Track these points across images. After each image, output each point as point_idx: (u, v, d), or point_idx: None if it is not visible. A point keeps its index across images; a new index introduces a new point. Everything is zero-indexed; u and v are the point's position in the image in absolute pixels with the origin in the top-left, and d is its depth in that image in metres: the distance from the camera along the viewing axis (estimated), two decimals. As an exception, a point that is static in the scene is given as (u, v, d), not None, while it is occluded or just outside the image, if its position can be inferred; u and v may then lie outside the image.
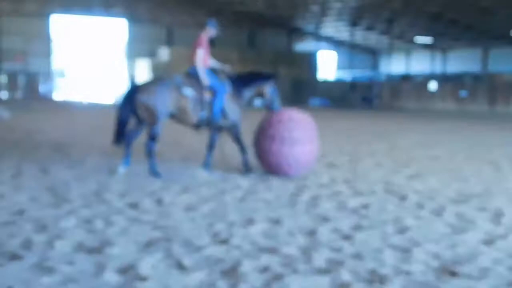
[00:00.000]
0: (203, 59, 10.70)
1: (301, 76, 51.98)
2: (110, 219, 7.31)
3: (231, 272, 5.37)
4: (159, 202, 8.41)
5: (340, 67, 58.90)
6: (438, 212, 8.02)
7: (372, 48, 61.64)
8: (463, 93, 42.07)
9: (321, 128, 13.36)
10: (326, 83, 51.44)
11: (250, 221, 7.29)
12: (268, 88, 11.22)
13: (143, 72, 47.07)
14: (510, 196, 9.36)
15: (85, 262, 5.60)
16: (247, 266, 5.49)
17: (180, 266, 5.51)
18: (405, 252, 6.07)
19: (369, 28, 53.28)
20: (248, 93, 11.13)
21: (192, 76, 10.73)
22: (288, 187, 9.76)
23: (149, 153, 10.49)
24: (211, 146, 11.19)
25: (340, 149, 15.23)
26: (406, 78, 55.42)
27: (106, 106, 36.92)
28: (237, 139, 11.06)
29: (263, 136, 10.63)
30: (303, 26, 56.57)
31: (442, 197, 9.13)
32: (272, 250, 6.06)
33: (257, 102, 11.20)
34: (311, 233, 6.80)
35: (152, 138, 10.44)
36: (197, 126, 10.84)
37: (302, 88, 51.17)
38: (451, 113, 37.70)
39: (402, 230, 6.97)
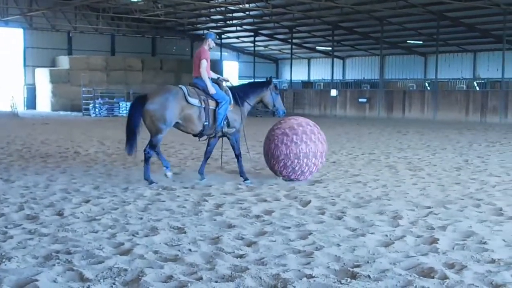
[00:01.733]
0: (207, 69, 11.07)
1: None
2: (7, 232, 7.06)
3: (135, 283, 5.29)
4: (59, 213, 8.20)
5: (242, 75, 59.32)
6: (339, 216, 8.22)
7: (274, 56, 62.48)
8: (362, 99, 43.32)
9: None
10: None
11: (153, 230, 7.23)
12: (268, 96, 11.73)
13: (43, 80, 45.81)
14: (407, 199, 9.71)
15: (-19, 278, 5.36)
16: (150, 276, 5.42)
17: (82, 279, 5.38)
18: (307, 256, 6.18)
19: (271, 36, 53.98)
20: (249, 103, 11.62)
21: (197, 86, 11.07)
22: (192, 195, 9.75)
23: (146, 160, 10.78)
24: (238, 155, 11.55)
25: (243, 156, 15.30)
26: (307, 85, 56.43)
27: (3, 114, 35.65)
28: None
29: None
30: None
31: (343, 202, 9.36)
32: (175, 259, 6.02)
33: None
34: (215, 240, 6.81)
35: (153, 146, 10.74)
36: (201, 134, 11.25)
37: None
38: (352, 119, 38.72)
39: (305, 235, 7.09)
